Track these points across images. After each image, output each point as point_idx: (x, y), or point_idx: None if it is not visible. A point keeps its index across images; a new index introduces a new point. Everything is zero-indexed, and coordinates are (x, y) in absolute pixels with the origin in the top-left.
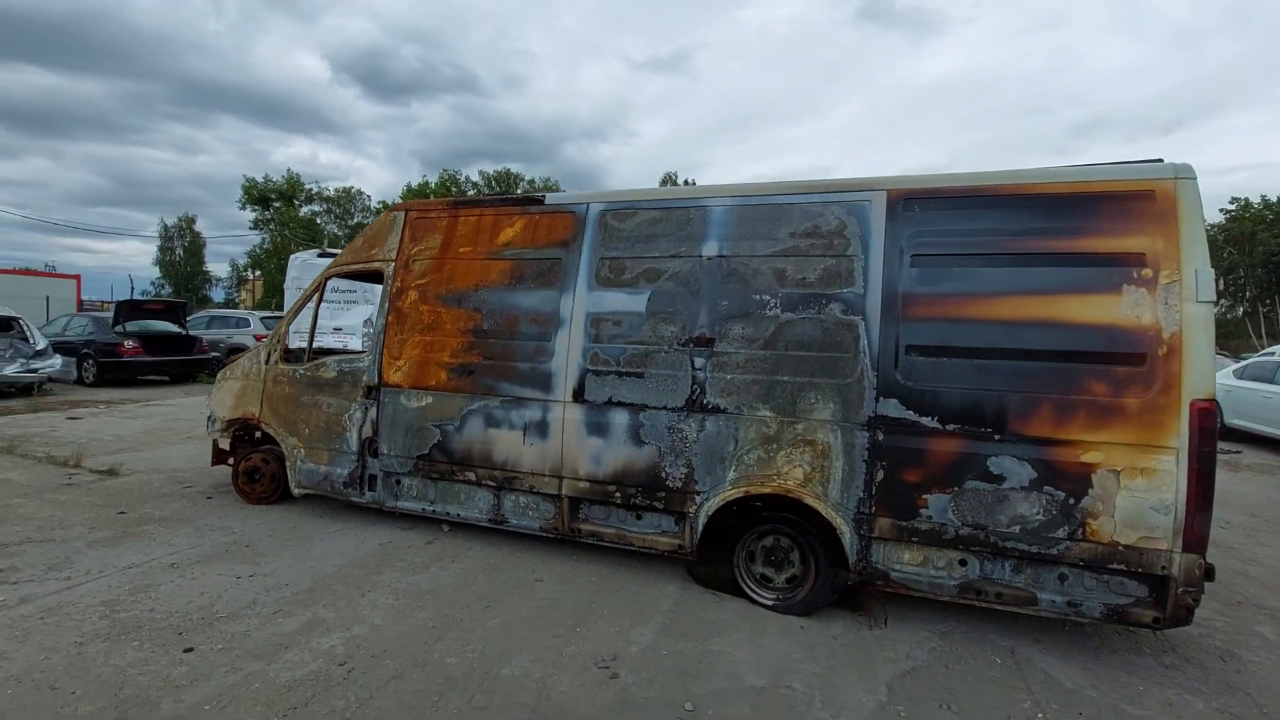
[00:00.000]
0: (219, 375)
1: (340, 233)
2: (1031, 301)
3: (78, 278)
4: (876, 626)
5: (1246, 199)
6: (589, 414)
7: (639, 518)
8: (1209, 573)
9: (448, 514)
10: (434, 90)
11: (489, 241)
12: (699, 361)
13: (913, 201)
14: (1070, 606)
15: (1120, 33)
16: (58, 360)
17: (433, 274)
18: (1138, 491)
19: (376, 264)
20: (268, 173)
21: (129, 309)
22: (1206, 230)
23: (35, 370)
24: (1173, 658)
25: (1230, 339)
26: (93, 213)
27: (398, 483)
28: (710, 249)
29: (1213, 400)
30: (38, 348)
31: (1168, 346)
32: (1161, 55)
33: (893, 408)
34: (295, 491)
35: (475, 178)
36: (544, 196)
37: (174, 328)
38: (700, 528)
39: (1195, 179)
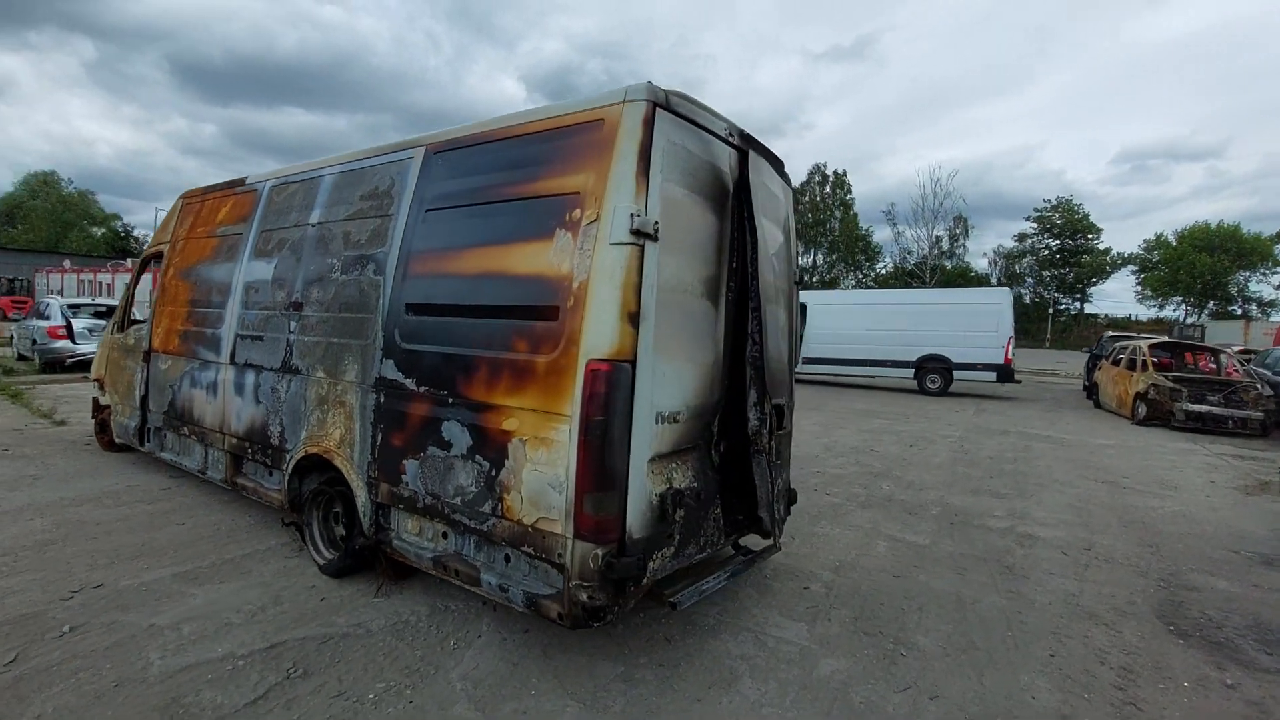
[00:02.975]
0: (100, 341)
1: None
2: (490, 253)
3: None
4: (381, 594)
5: None
6: (236, 375)
7: (270, 473)
8: (610, 567)
9: (181, 464)
10: None
11: (211, 222)
12: (292, 325)
13: (439, 155)
14: (501, 590)
15: None
16: None
17: (182, 253)
18: (539, 465)
19: (161, 246)
20: None
21: None
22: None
23: None
24: (651, 673)
25: None
26: None
27: (163, 436)
28: (315, 216)
29: (609, 361)
30: None
31: (575, 298)
32: None
33: (389, 369)
34: (116, 440)
35: None
36: (246, 178)
37: None
38: (287, 485)
39: (648, 100)
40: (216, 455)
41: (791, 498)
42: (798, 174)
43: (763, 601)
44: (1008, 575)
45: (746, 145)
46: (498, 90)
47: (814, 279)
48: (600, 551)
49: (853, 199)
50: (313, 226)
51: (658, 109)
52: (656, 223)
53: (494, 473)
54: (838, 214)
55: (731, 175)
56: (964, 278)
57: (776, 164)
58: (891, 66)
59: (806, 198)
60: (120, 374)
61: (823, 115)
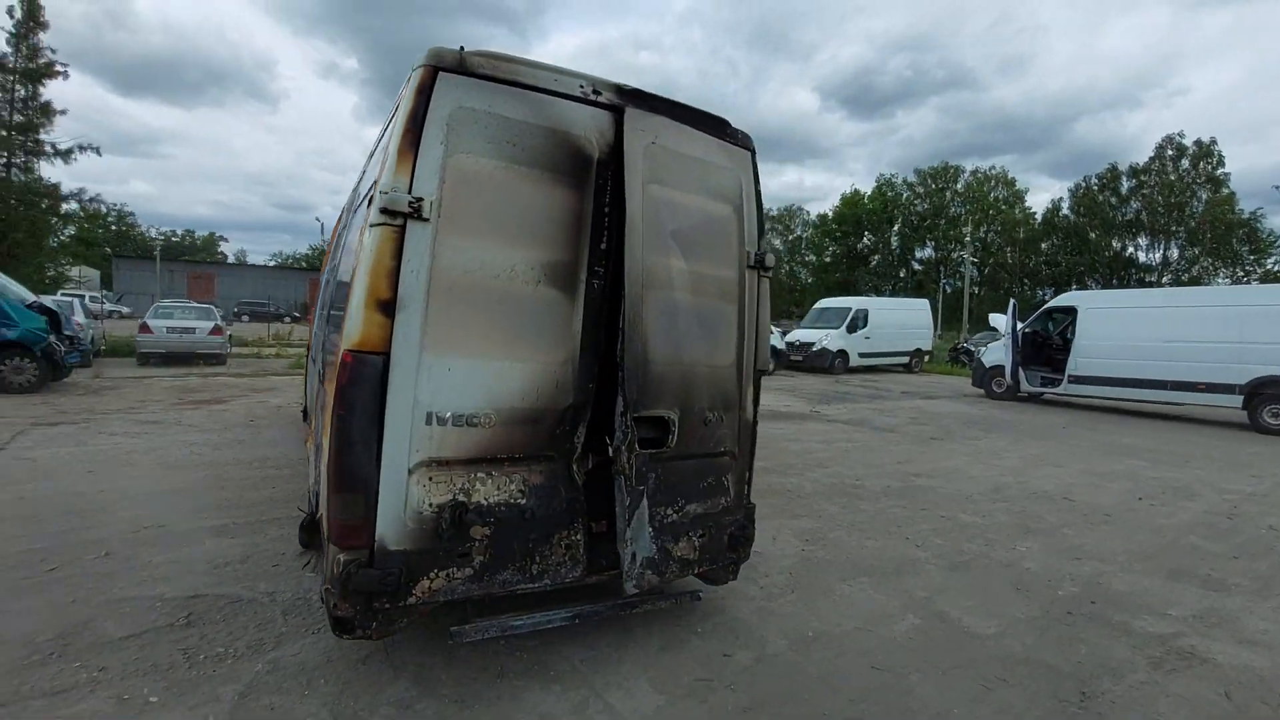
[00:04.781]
0: None
1: (779, 245)
2: (350, 248)
3: None
4: (310, 569)
5: None
6: (314, 369)
7: None
8: (349, 577)
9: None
10: (920, 95)
11: (334, 237)
12: (328, 326)
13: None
14: (322, 582)
15: None
16: None
17: (324, 266)
18: (322, 460)
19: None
20: None
21: None
22: None
23: None
24: (434, 707)
25: None
26: None
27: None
28: (352, 223)
29: (352, 353)
30: None
31: (351, 287)
32: None
33: (323, 362)
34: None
35: (912, 177)
36: None
37: None
38: (313, 465)
39: (426, 65)
40: None
41: (736, 539)
42: (1143, 152)
43: (651, 659)
44: (1066, 707)
45: (625, 101)
46: (789, 103)
47: (1163, 279)
48: (343, 558)
49: (1225, 174)
50: (348, 233)
51: (442, 73)
52: (418, 200)
53: (320, 465)
54: (1202, 195)
55: (601, 140)
56: None
57: (704, 121)
58: None
59: (1152, 179)
60: (304, 367)
61: (1201, 75)
